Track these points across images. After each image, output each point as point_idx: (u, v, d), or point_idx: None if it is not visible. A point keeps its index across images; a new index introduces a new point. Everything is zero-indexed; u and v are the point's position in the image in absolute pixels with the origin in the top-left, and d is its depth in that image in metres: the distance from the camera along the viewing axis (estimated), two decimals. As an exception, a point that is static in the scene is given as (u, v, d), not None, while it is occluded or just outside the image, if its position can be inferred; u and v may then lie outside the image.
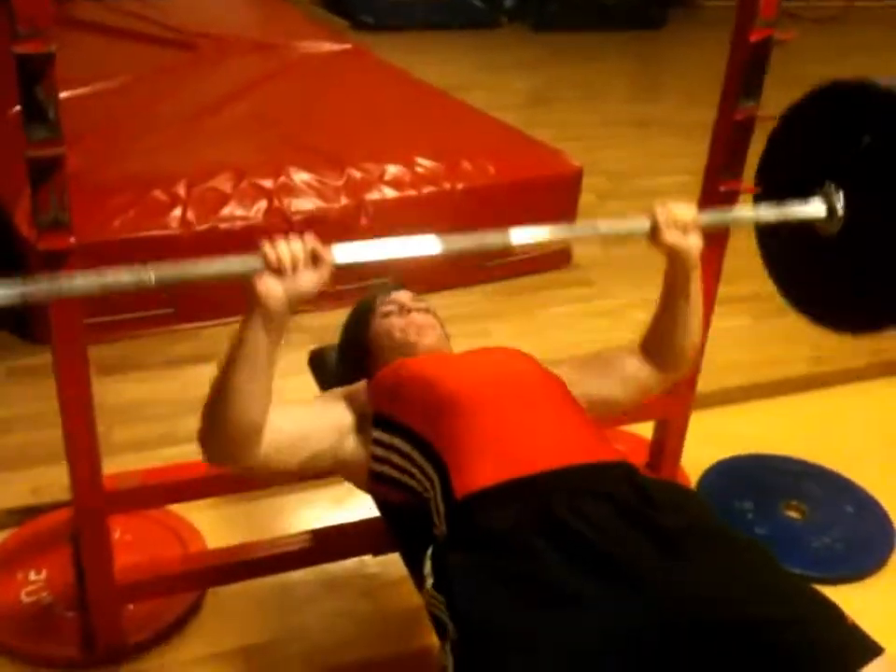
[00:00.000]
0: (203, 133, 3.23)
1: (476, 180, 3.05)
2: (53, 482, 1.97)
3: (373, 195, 2.91)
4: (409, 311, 1.66)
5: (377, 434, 1.42)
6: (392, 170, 2.98)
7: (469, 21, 7.28)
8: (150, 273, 1.18)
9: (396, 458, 1.40)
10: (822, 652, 1.06)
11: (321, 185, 2.88)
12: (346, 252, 1.25)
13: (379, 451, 1.42)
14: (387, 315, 1.67)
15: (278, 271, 1.19)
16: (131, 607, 1.75)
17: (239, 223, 2.74)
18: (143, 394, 2.45)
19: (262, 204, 2.77)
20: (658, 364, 1.55)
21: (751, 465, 2.35)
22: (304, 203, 2.83)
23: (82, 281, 1.19)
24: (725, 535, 1.23)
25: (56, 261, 1.36)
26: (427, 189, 2.99)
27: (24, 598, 1.80)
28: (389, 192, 2.94)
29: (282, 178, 2.86)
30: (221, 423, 1.25)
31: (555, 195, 3.24)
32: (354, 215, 2.89)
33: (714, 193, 1.75)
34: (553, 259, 3.26)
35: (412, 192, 2.96)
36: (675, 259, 1.45)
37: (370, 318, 1.69)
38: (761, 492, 2.24)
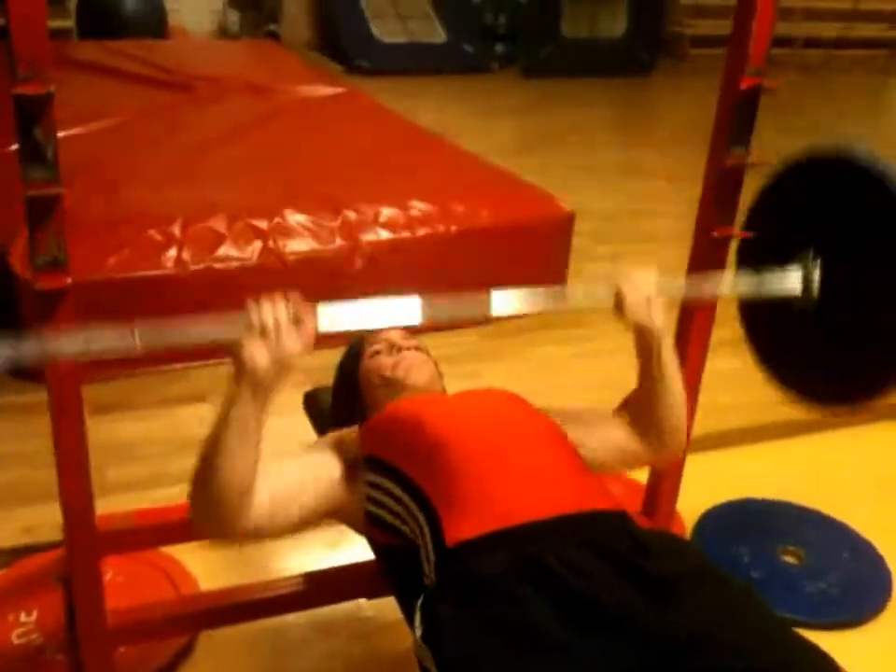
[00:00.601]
0: (198, 174, 3.26)
1: (469, 223, 3.08)
2: (45, 521, 1.95)
3: (368, 236, 2.94)
4: (399, 349, 1.66)
5: (370, 477, 1.41)
6: (387, 212, 3.01)
7: (462, 66, 7.42)
8: (136, 337, 1.20)
9: (388, 501, 1.38)
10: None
11: (316, 226, 2.90)
12: (330, 317, 1.27)
13: (373, 492, 1.41)
14: (377, 353, 1.66)
15: (262, 334, 1.19)
16: (122, 649, 1.73)
17: (234, 263, 2.75)
18: (136, 433, 2.45)
19: (257, 245, 2.79)
20: (645, 439, 1.52)
21: (748, 509, 2.35)
22: (299, 245, 2.84)
23: (69, 345, 1.23)
24: (719, 580, 1.23)
25: (53, 301, 1.36)
26: (421, 231, 3.01)
27: (15, 640, 1.78)
28: (384, 234, 2.97)
29: (277, 219, 2.88)
30: (211, 486, 1.24)
31: (548, 238, 3.27)
32: (348, 256, 2.91)
33: (706, 239, 1.76)
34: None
35: (406, 234, 2.99)
36: (639, 334, 1.44)
37: (360, 357, 1.69)
38: (757, 537, 2.23)
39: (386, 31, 7.34)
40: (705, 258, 1.78)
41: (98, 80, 4.53)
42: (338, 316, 1.28)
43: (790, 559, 2.18)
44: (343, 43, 7.20)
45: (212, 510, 1.27)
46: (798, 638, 1.14)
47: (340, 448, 1.47)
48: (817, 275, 1.50)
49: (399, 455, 1.40)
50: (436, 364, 1.72)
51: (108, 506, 1.68)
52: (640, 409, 1.51)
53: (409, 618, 1.28)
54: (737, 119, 1.67)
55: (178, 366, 2.74)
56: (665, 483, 1.99)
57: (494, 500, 1.28)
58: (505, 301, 1.42)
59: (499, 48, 7.82)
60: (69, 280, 1.37)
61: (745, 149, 1.70)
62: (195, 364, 2.72)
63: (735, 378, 2.90)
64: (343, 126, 4.00)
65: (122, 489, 2.12)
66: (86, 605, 1.60)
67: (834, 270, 1.49)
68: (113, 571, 1.89)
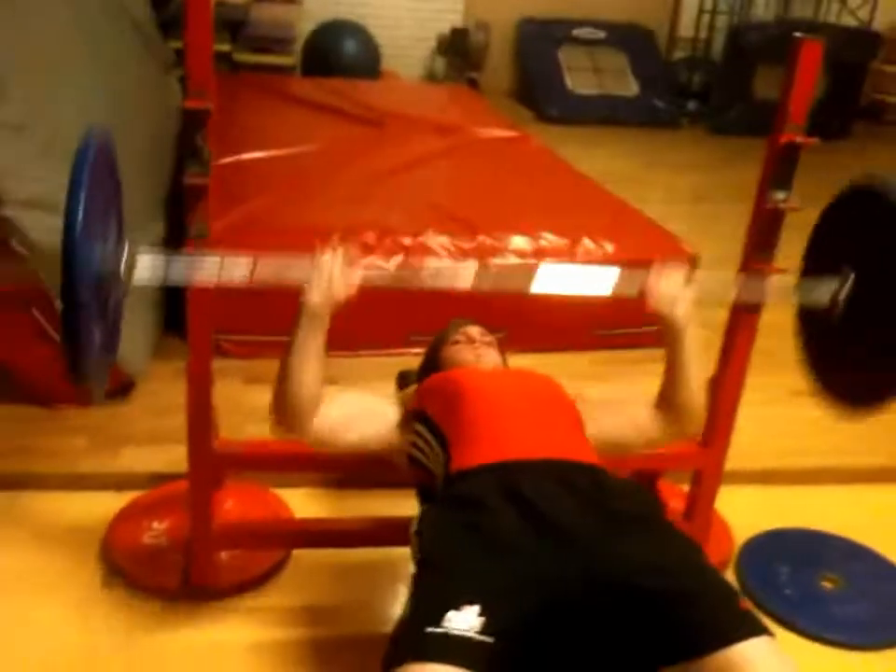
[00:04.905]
0: (367, 197, 3.72)
1: (593, 256, 3.35)
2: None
3: (496, 260, 3.28)
4: (475, 343, 2.01)
5: (416, 426, 1.78)
6: (517, 240, 3.34)
7: (651, 119, 7.64)
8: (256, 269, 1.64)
9: (423, 445, 1.75)
10: (713, 622, 1.30)
11: (453, 247, 3.28)
12: (368, 275, 1.70)
13: (415, 438, 1.77)
14: (456, 342, 2.02)
15: (319, 278, 1.63)
16: (224, 555, 2.15)
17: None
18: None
19: (399, 259, 3.20)
20: (667, 418, 1.81)
21: (802, 537, 2.47)
22: (434, 261, 3.23)
23: (206, 268, 1.63)
24: (665, 525, 1.51)
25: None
26: (546, 260, 3.32)
27: (146, 540, 2.23)
28: (512, 258, 3.30)
29: (420, 238, 3.29)
30: (282, 395, 1.68)
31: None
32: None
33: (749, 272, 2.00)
34: (658, 335, 3.49)
35: (531, 261, 3.30)
36: (664, 324, 1.72)
37: (442, 346, 2.06)
38: (802, 561, 2.34)
39: (580, 83, 7.73)
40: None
41: (306, 111, 5.16)
42: (371, 277, 1.70)
43: (826, 584, 2.28)
44: (536, 91, 7.64)
45: (283, 412, 1.70)
46: (718, 577, 1.40)
47: (400, 402, 1.87)
48: (846, 290, 1.71)
49: (436, 409, 1.76)
50: (505, 360, 2.05)
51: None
52: (666, 388, 1.80)
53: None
54: (778, 169, 1.91)
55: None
56: (702, 488, 2.20)
57: (493, 443, 1.62)
58: (548, 277, 1.73)
59: (691, 104, 8.01)
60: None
61: (784, 195, 1.93)
62: (333, 353, 3.15)
63: (815, 425, 3.00)
64: (504, 165, 4.38)
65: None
66: (197, 512, 2.03)
67: (865, 286, 1.70)
68: (233, 501, 2.33)
